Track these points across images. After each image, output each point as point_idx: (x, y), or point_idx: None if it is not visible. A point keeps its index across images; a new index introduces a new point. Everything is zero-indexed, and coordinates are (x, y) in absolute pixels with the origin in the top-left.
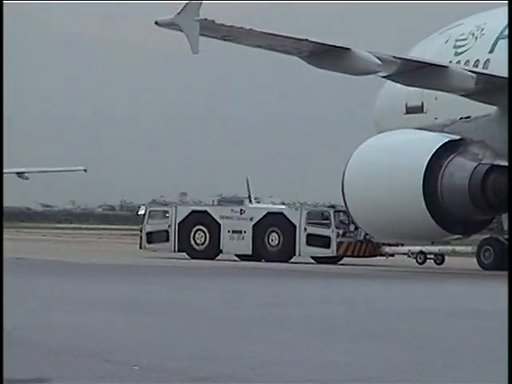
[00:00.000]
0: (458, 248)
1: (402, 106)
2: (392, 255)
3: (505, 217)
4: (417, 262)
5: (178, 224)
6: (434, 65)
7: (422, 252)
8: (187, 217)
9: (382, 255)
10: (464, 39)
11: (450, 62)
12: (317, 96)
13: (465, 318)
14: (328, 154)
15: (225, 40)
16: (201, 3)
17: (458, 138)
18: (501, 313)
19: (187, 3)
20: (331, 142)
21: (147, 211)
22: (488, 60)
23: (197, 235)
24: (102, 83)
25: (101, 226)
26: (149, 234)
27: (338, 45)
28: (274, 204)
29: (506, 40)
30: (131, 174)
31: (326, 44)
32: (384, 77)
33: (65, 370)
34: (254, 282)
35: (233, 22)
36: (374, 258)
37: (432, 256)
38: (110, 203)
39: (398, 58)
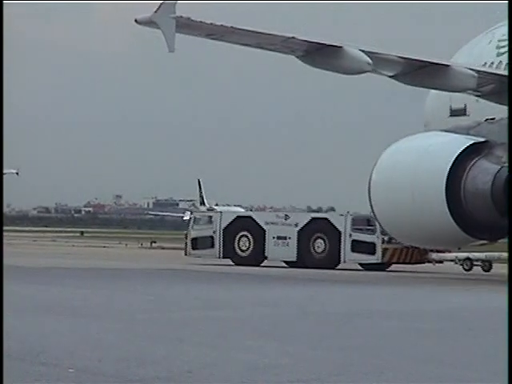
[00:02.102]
0: (504, 254)
1: (447, 109)
2: (440, 262)
3: None
4: (463, 268)
5: (223, 230)
6: (435, 63)
7: (468, 258)
8: (232, 223)
9: (429, 262)
10: (506, 39)
11: (492, 62)
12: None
13: (396, 319)
14: (282, 158)
15: (211, 38)
16: (176, 2)
17: (482, 140)
18: (434, 315)
19: (163, 2)
20: (280, 145)
21: (192, 217)
22: None
23: (241, 241)
24: (39, 84)
25: (35, 228)
26: (194, 239)
27: (328, 43)
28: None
29: None
30: (66, 176)
31: (315, 42)
32: (390, 77)
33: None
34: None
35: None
36: (421, 265)
37: (479, 263)
38: (45, 205)
39: (402, 58)
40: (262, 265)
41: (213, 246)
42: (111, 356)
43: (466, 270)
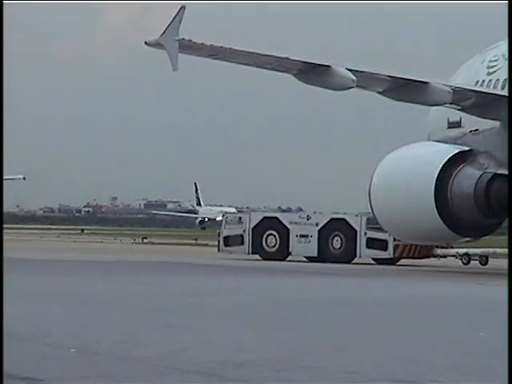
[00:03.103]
0: (498, 250)
1: (445, 122)
2: (444, 256)
3: None
4: (462, 262)
5: (252, 229)
6: (416, 81)
7: (466, 254)
8: (260, 222)
9: (434, 256)
10: (496, 60)
11: (483, 81)
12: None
13: (364, 306)
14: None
15: (212, 58)
16: (179, 24)
17: (467, 149)
18: (398, 302)
19: (169, 25)
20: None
21: (224, 217)
22: None
23: (268, 239)
24: (38, 89)
25: (42, 226)
26: (226, 237)
27: (318, 62)
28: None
29: None
30: (68, 180)
31: (306, 62)
32: (379, 93)
33: (10, 353)
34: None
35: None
36: (428, 260)
37: (477, 257)
38: (50, 206)
39: (388, 76)
40: (287, 259)
41: (242, 243)
42: (108, 338)
43: (464, 263)
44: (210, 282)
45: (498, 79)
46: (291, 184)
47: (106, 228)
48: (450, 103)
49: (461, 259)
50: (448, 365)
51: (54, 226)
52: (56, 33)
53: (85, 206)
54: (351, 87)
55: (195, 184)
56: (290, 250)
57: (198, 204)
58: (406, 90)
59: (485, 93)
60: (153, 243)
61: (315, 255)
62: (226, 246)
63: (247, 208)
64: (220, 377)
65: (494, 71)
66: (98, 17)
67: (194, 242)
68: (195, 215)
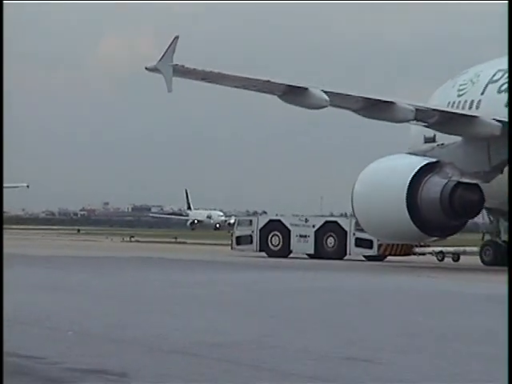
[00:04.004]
0: (468, 249)
1: (422, 137)
2: (423, 254)
3: (502, 223)
4: (437, 259)
5: (259, 230)
6: (383, 101)
7: (441, 252)
8: (266, 224)
9: (414, 254)
10: (465, 84)
11: (454, 102)
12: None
13: (325, 294)
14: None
15: (204, 82)
16: (173, 52)
17: (434, 160)
18: (362, 291)
19: (165, 52)
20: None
21: (237, 220)
22: (480, 100)
23: (273, 239)
24: (41, 110)
25: (43, 227)
26: (238, 237)
27: (296, 85)
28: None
29: (495, 84)
30: (66, 187)
31: (286, 84)
32: (353, 111)
33: (15, 335)
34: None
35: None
36: (408, 257)
37: (450, 255)
38: (51, 210)
39: (359, 97)
40: (289, 256)
41: (251, 242)
42: (100, 322)
43: (439, 260)
44: (196, 275)
45: (466, 100)
46: (259, 190)
47: (98, 228)
48: (414, 120)
49: (436, 256)
50: (390, 344)
51: (54, 227)
52: (57, 59)
53: (81, 210)
54: (325, 106)
55: (186, 190)
56: (291, 248)
57: (189, 208)
58: (374, 109)
59: (445, 111)
60: (138, 241)
61: (312, 253)
62: (237, 244)
63: (227, 211)
64: (197, 356)
65: (463, 93)
66: (93, 46)
67: (173, 240)
68: (186, 217)
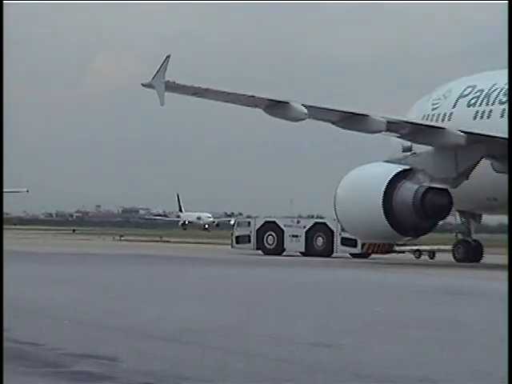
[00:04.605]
0: (442, 247)
1: (400, 147)
2: (402, 252)
3: (472, 223)
4: (415, 257)
5: (256, 230)
6: (357, 114)
7: (418, 250)
8: (262, 225)
9: (394, 252)
10: (438, 99)
11: (429, 115)
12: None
13: (290, 288)
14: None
15: (195, 96)
16: (166, 69)
17: (408, 167)
18: (325, 284)
19: (158, 70)
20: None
21: (236, 221)
22: (451, 113)
23: (268, 238)
24: (41, 123)
25: (42, 227)
26: (237, 237)
27: (279, 99)
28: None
29: (464, 98)
30: (63, 191)
31: (269, 99)
32: (332, 123)
33: (16, 324)
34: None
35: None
36: (389, 255)
37: (426, 253)
38: (49, 212)
39: (335, 110)
40: (283, 254)
41: (249, 241)
42: (93, 312)
43: (416, 257)
44: (183, 270)
45: (439, 113)
46: (236, 193)
47: (91, 229)
48: (388, 131)
49: (413, 254)
50: (350, 331)
51: (52, 227)
52: (56, 78)
53: (76, 212)
54: (304, 119)
55: (177, 195)
56: (285, 247)
57: (180, 210)
58: (350, 121)
59: (416, 123)
60: (127, 240)
61: (303, 251)
62: (237, 243)
63: (213, 213)
64: (180, 341)
65: (437, 107)
66: (87, 66)
67: (158, 238)
68: (178, 219)
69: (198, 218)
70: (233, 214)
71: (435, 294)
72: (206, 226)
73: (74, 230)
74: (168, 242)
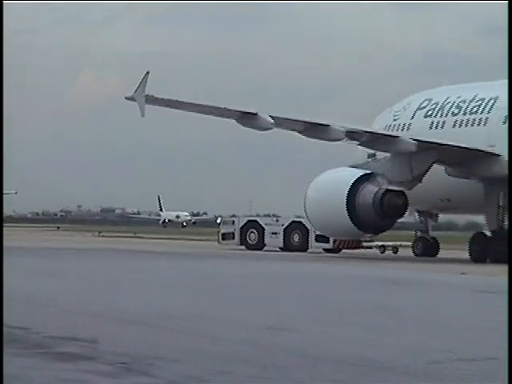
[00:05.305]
0: (404, 243)
1: (365, 154)
2: (370, 247)
3: (429, 221)
4: (380, 252)
5: (240, 228)
6: (319, 124)
7: (382, 245)
8: (245, 224)
9: (362, 247)
10: (399, 111)
11: (390, 125)
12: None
13: (257, 278)
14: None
15: (172, 108)
16: (146, 83)
17: (369, 172)
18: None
19: (139, 84)
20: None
21: (222, 220)
22: (410, 123)
23: (251, 235)
24: (27, 133)
25: (30, 225)
26: (223, 234)
27: (247, 111)
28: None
29: (422, 110)
30: (48, 193)
31: (240, 111)
32: (298, 132)
33: (5, 310)
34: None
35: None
36: (358, 250)
37: (390, 248)
38: (36, 211)
39: (297, 121)
40: (264, 250)
41: (234, 238)
42: (74, 300)
43: (381, 252)
44: (160, 263)
45: (399, 124)
46: (204, 194)
47: (74, 226)
48: (348, 140)
49: (378, 249)
50: (305, 316)
51: (39, 225)
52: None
53: (60, 211)
54: (271, 128)
55: (158, 196)
56: (265, 243)
57: (161, 210)
58: (313, 130)
59: (373, 132)
60: (104, 236)
61: (282, 246)
62: (223, 240)
63: (192, 212)
64: (152, 326)
65: (398, 118)
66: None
67: (133, 235)
68: (159, 217)
69: (177, 217)
70: (198, 213)
71: (380, 283)
72: (184, 223)
73: (58, 227)
74: (141, 237)
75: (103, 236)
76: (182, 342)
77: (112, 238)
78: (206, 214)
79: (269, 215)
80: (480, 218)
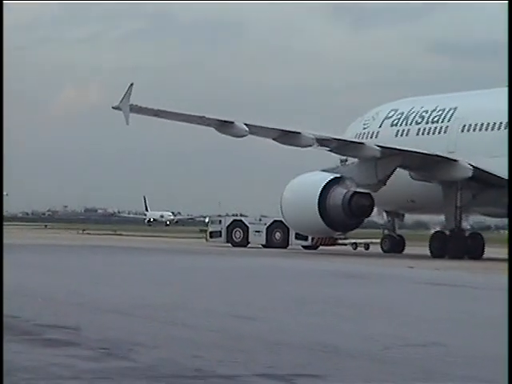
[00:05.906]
0: (374, 240)
1: (338, 159)
2: (344, 244)
3: (396, 221)
4: (352, 248)
5: (226, 227)
6: (291, 132)
7: (355, 243)
8: (231, 223)
9: (338, 244)
10: (368, 120)
11: (360, 133)
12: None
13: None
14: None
15: (156, 117)
16: (130, 94)
17: (339, 175)
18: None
19: (124, 95)
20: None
21: (210, 219)
22: (378, 132)
23: (236, 233)
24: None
25: (20, 223)
26: (211, 232)
27: (225, 119)
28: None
29: (389, 120)
30: (36, 194)
31: (217, 119)
32: (272, 139)
33: None
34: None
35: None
36: (334, 247)
37: (362, 245)
38: (26, 211)
39: (271, 129)
40: (248, 246)
41: (221, 236)
42: (60, 292)
43: (353, 249)
44: (141, 258)
45: (368, 132)
46: (180, 196)
47: (60, 224)
48: (318, 146)
49: (351, 246)
50: (269, 307)
51: (28, 223)
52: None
53: (47, 211)
54: (246, 135)
55: (144, 197)
56: (249, 241)
57: (146, 210)
58: (285, 137)
59: (341, 140)
60: (89, 233)
61: (264, 243)
62: (210, 237)
63: (179, 212)
64: (131, 315)
65: (367, 127)
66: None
67: (113, 232)
68: (144, 217)
69: (161, 216)
70: (173, 213)
71: (340, 277)
72: (168, 222)
73: (46, 226)
74: (121, 235)
75: (88, 233)
76: (158, 330)
77: (96, 236)
78: (179, 213)
79: (236, 214)
80: (429, 217)
